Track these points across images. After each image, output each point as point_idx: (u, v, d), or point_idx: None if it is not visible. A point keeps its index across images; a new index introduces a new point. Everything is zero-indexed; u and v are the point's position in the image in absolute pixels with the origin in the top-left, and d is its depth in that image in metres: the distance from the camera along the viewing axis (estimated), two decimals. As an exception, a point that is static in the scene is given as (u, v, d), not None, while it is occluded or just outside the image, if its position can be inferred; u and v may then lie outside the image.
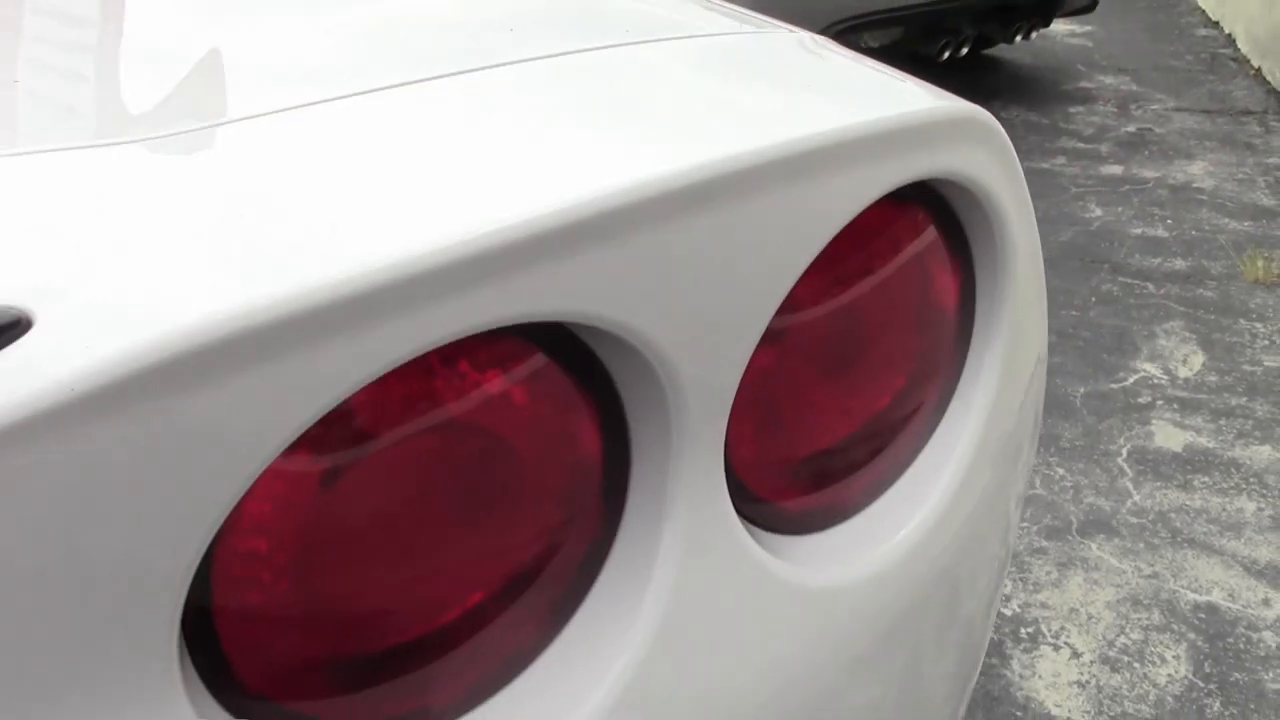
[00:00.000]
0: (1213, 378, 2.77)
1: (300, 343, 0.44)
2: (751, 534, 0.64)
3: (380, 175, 0.52)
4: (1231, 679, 1.87)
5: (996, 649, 1.93)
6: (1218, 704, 1.82)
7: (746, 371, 0.60)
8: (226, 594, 0.49)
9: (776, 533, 0.67)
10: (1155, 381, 2.75)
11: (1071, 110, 4.85)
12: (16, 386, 0.38)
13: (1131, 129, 4.60)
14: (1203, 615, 2.00)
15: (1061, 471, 2.40)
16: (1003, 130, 0.74)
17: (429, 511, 0.53)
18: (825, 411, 0.69)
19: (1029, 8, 4.72)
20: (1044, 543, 2.18)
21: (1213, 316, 3.06)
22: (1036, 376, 0.84)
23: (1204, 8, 6.65)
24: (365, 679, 0.53)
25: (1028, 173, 1.22)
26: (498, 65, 0.64)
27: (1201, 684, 1.86)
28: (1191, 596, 2.06)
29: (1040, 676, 1.88)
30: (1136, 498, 2.32)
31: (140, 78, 0.64)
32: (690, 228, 0.54)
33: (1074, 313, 3.06)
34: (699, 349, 0.56)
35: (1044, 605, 2.03)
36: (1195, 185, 3.99)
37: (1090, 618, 2.00)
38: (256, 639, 0.50)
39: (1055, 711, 1.81)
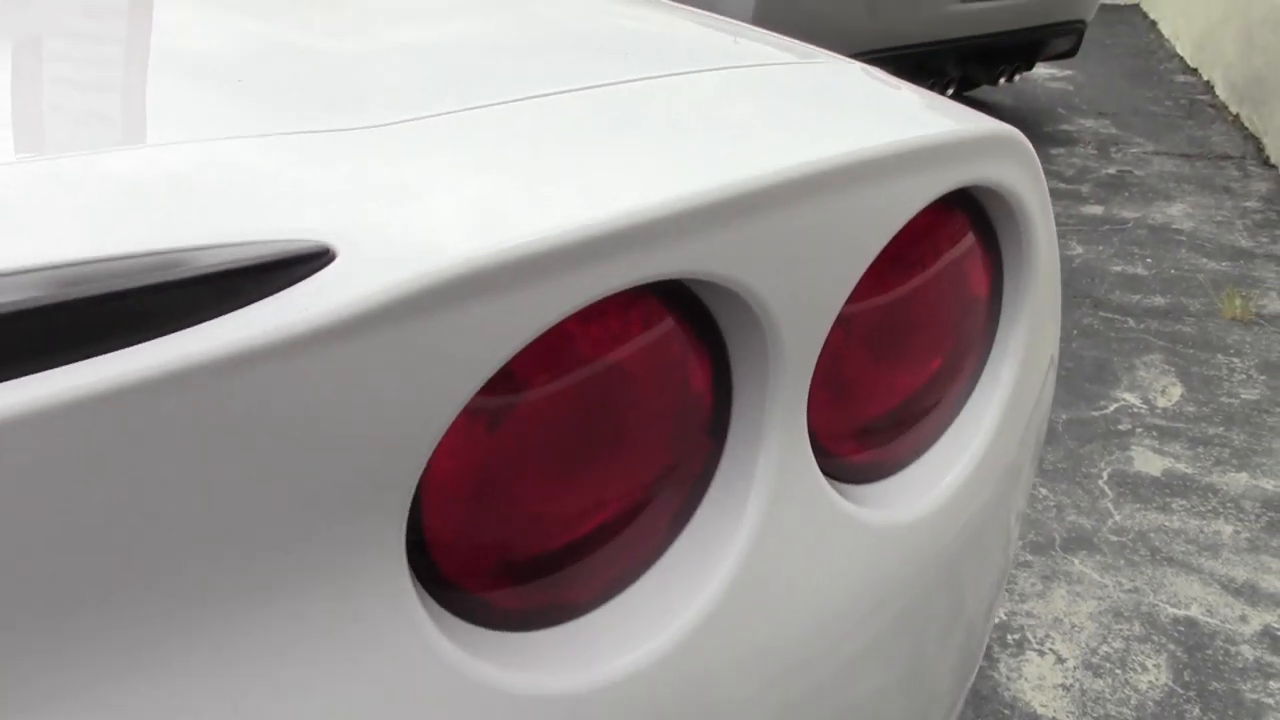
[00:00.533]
0: (1190, 408, 2.86)
1: (523, 283, 0.54)
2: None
3: (566, 163, 0.63)
4: (1210, 688, 1.95)
5: (985, 653, 2.00)
6: (1197, 709, 1.90)
7: (825, 341, 0.70)
8: (430, 497, 0.59)
9: (839, 480, 0.77)
10: (1135, 410, 2.84)
11: (1053, 152, 4.97)
12: (318, 304, 0.48)
13: (1112, 171, 4.72)
14: (1182, 628, 2.08)
15: (1045, 492, 2.49)
16: (1032, 148, 0.83)
17: (577, 438, 0.64)
18: (880, 381, 0.79)
19: (1012, 51, 4.85)
20: (1029, 557, 2.26)
21: (1191, 351, 3.16)
22: (1050, 368, 0.93)
23: (1182, 55, 6.81)
24: (527, 573, 0.63)
25: None
26: (621, 82, 0.75)
27: (1181, 691, 1.94)
28: (1171, 610, 2.14)
29: (1026, 679, 1.96)
30: (1117, 517, 2.41)
31: (341, 83, 0.74)
32: (794, 213, 0.64)
33: (1063, 342, 3.15)
34: (794, 310, 0.65)
35: (1029, 614, 2.11)
36: (1174, 226, 4.11)
37: (1074, 627, 2.08)
38: (452, 535, 0.59)
39: (1041, 711, 1.89)
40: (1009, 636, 2.04)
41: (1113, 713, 1.89)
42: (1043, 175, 0.85)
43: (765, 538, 0.69)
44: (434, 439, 0.54)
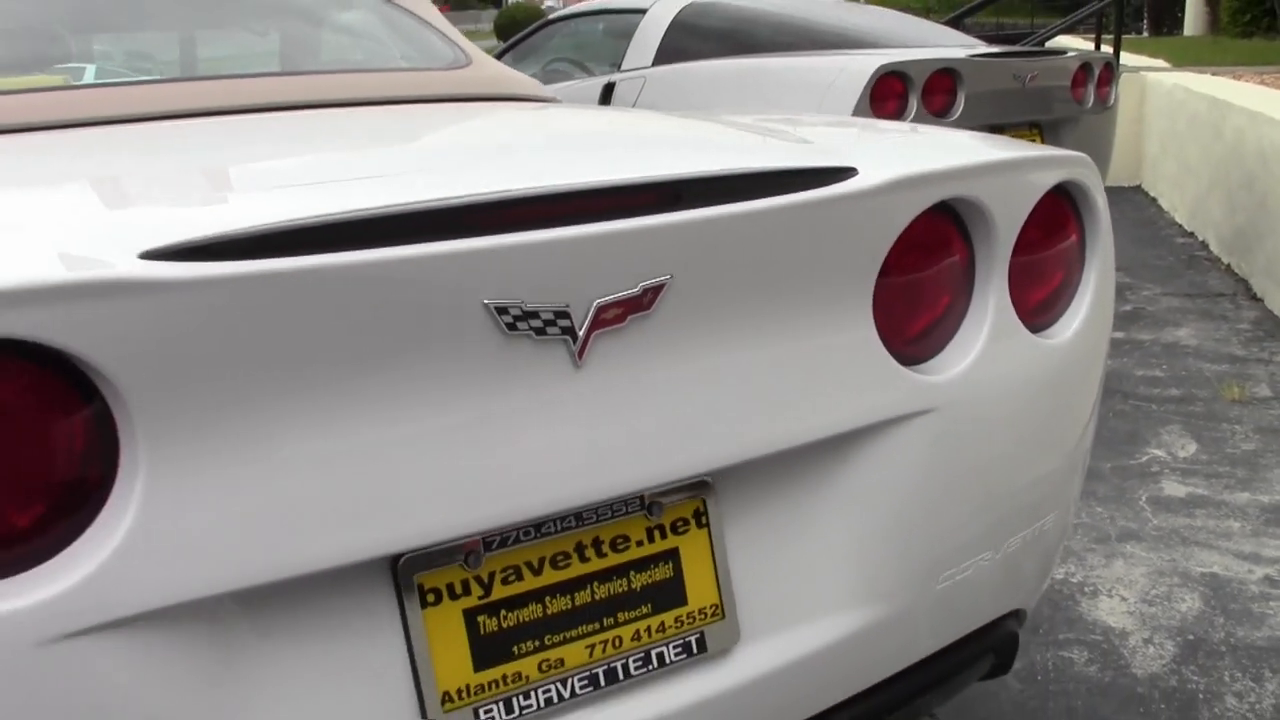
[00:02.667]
0: (1204, 456, 3.77)
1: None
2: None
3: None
4: (1229, 608, 2.81)
5: (1074, 602, 2.87)
6: (1220, 618, 2.76)
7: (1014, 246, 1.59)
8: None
9: (1029, 329, 1.65)
10: (1162, 459, 3.75)
11: (1077, 297, 5.96)
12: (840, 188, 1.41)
13: (1128, 308, 5.69)
14: (1207, 579, 2.95)
15: (1100, 510, 3.38)
16: (1093, 163, 1.77)
17: None
18: (1042, 275, 1.68)
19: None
20: (1095, 546, 3.15)
21: (1201, 422, 4.08)
22: (1112, 282, 1.82)
23: (1180, 221, 7.86)
24: None
25: None
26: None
27: (1209, 611, 2.80)
28: (1199, 570, 3.01)
29: (1101, 610, 2.82)
30: (1155, 522, 3.30)
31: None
32: (986, 184, 1.56)
33: (1099, 421, 4.08)
34: (986, 224, 1.57)
35: (1100, 577, 2.98)
36: (1183, 343, 5.06)
37: (1131, 582, 2.96)
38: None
39: (1115, 625, 2.75)
40: (1086, 588, 2.92)
41: (1163, 624, 2.76)
42: (1101, 179, 1.78)
43: (1000, 364, 1.57)
44: None
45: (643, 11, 6.43)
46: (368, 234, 1.09)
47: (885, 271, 1.47)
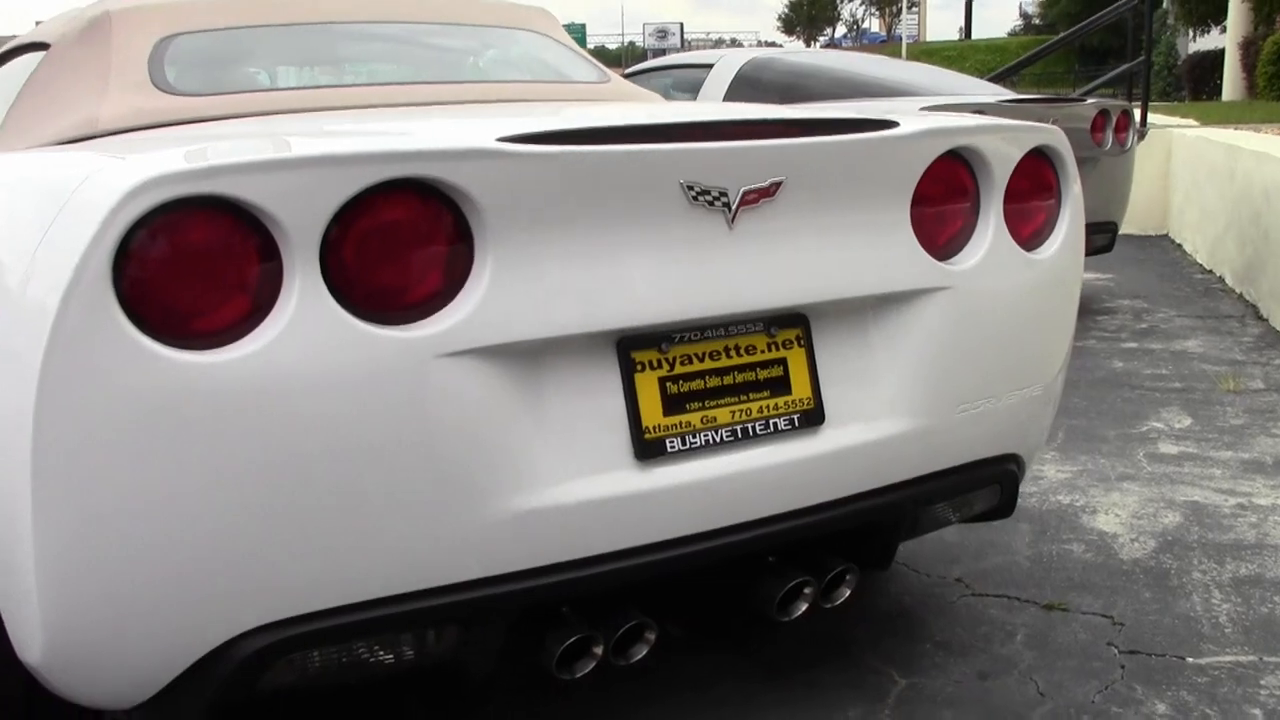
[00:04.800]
0: (1197, 427, 4.49)
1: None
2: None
3: None
4: (1205, 521, 3.53)
5: (1075, 516, 3.59)
6: (1197, 529, 3.48)
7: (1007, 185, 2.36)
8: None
9: (1022, 248, 2.40)
10: (1160, 429, 4.47)
11: (1099, 318, 6.69)
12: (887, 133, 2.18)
13: (1144, 326, 6.42)
14: (1189, 505, 3.67)
15: (1103, 460, 4.10)
16: (1064, 135, 2.52)
17: None
18: (1031, 208, 2.43)
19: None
20: (1096, 484, 3.87)
21: (1198, 404, 4.80)
22: (1081, 217, 2.56)
23: (1200, 261, 8.59)
24: None
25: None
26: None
27: (1186, 523, 3.52)
28: (1182, 499, 3.73)
29: (1098, 522, 3.54)
30: (1149, 469, 4.02)
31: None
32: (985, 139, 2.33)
33: (1106, 404, 4.81)
34: (1001, 167, 2.33)
35: (1099, 502, 3.70)
36: (1190, 351, 5.78)
37: (1125, 505, 3.67)
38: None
39: (1106, 529, 3.47)
40: (1086, 510, 3.64)
41: (1147, 530, 3.47)
42: (1069, 144, 2.52)
43: (999, 264, 2.32)
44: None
45: (709, 66, 7.29)
46: (621, 138, 1.88)
47: (918, 195, 2.24)
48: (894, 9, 71.96)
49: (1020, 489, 2.62)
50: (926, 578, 3.10)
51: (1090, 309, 6.95)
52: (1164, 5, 33.85)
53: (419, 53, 3.19)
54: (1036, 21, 57.63)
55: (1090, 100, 7.08)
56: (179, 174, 1.62)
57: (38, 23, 3.65)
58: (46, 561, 1.71)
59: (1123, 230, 7.30)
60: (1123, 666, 2.59)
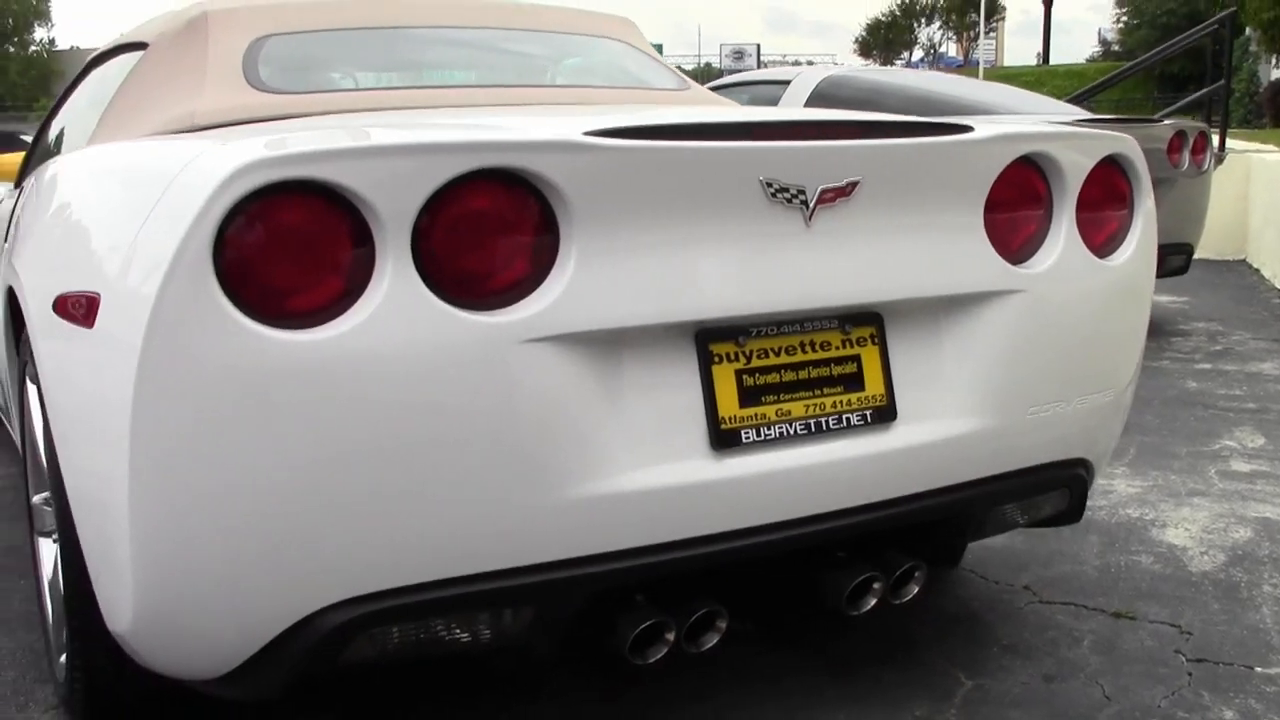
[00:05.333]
0: (1270, 447, 4.46)
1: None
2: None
3: None
4: (1276, 538, 3.51)
5: (1144, 529, 3.59)
6: (1267, 545, 3.47)
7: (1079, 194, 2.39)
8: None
9: (1094, 254, 2.42)
10: (1232, 447, 4.45)
11: (1173, 339, 6.65)
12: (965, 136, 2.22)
13: (1218, 348, 6.37)
14: (1260, 521, 3.65)
15: (1174, 477, 4.09)
16: (1137, 144, 2.54)
17: None
18: (1105, 216, 2.46)
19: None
20: (1167, 499, 3.86)
21: (1273, 425, 4.77)
22: (1154, 226, 2.57)
23: (1278, 286, 8.50)
24: None
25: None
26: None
27: (1256, 538, 3.51)
28: (1253, 515, 3.71)
29: (1169, 536, 3.54)
30: (1221, 485, 4.00)
31: None
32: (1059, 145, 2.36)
33: (1179, 422, 4.79)
34: (1075, 175, 2.36)
35: (1168, 517, 3.69)
36: (1265, 374, 5.73)
37: (1196, 520, 3.67)
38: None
39: (1178, 543, 3.47)
40: (1156, 524, 3.63)
41: (1217, 544, 3.46)
42: (1141, 153, 2.54)
43: (1072, 270, 2.34)
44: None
45: (786, 83, 7.33)
46: (702, 135, 1.93)
47: (991, 199, 2.27)
48: (971, 34, 71.66)
49: (1089, 498, 2.64)
50: (994, 584, 3.11)
51: (1164, 331, 6.90)
52: (1245, 33, 33.45)
53: (502, 58, 3.27)
54: (1115, 48, 57.17)
55: (1167, 121, 7.04)
56: (278, 158, 1.69)
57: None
58: (141, 533, 1.79)
59: (1199, 254, 7.26)
60: (1190, 674, 2.60)
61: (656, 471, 1.96)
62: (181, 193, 1.74)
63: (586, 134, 1.86)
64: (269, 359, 1.71)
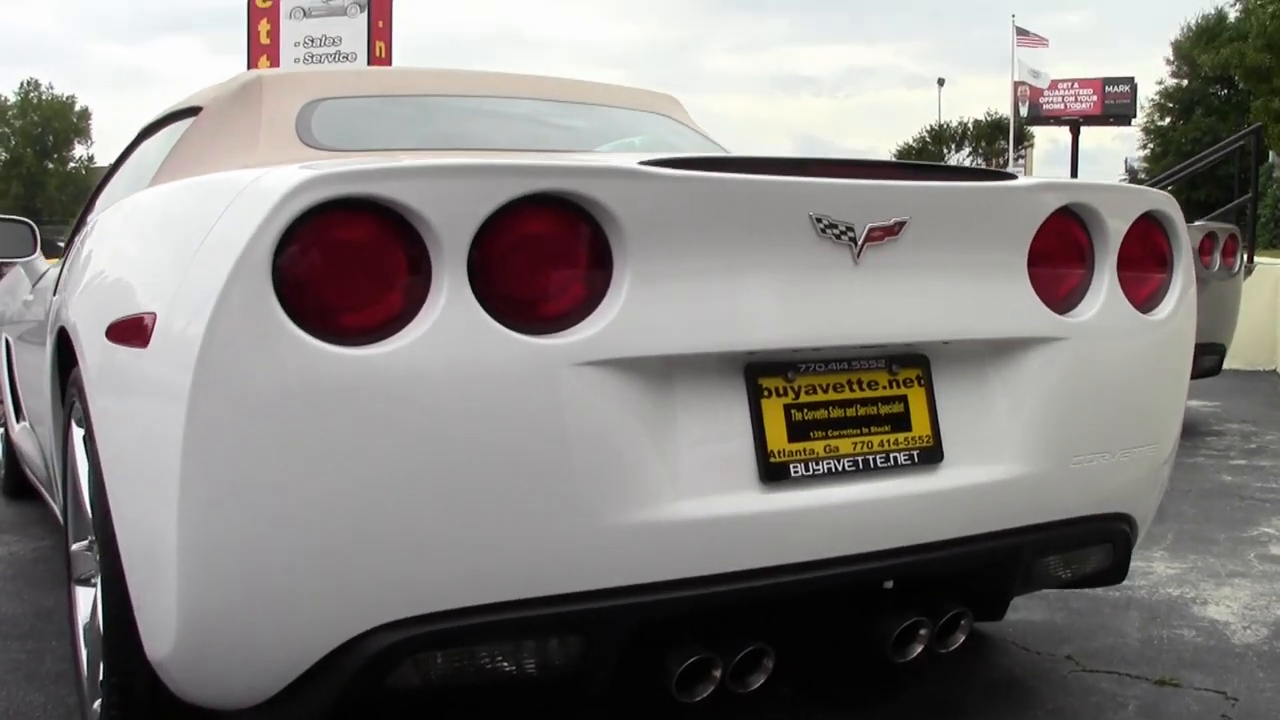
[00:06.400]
0: (1309, 534, 4.43)
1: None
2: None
3: None
4: (1318, 616, 3.47)
5: (1186, 606, 3.54)
6: (1309, 620, 3.43)
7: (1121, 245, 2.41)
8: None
9: (1138, 309, 2.44)
10: (1270, 534, 4.41)
11: (1207, 439, 6.62)
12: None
13: (1252, 446, 6.35)
14: (1302, 600, 3.62)
15: (1214, 560, 4.06)
16: (1176, 203, 2.56)
17: None
18: (1145, 272, 2.48)
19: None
20: (1208, 579, 3.82)
21: (1310, 515, 4.73)
22: (1193, 288, 2.59)
23: (1308, 391, 8.48)
24: None
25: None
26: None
27: (1300, 614, 3.47)
28: (1295, 596, 3.67)
29: (1209, 611, 3.50)
30: (1261, 568, 3.96)
31: None
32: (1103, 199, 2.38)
33: (1216, 511, 4.76)
34: (1115, 226, 2.38)
35: (1210, 595, 3.65)
36: (1299, 469, 5.70)
37: (1236, 598, 3.62)
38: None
39: (1219, 618, 3.42)
40: (1197, 601, 3.59)
41: (1259, 619, 3.42)
42: (1180, 212, 2.57)
43: (1115, 321, 2.35)
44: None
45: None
46: (755, 169, 1.97)
47: (1035, 249, 2.29)
48: (1000, 160, 72.47)
49: (1132, 558, 2.61)
50: (1037, 654, 3.08)
51: (1197, 431, 6.88)
52: (1270, 159, 33.75)
53: (548, 131, 3.32)
54: (1142, 176, 57.80)
55: (1198, 224, 7.09)
56: (338, 175, 1.74)
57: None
58: (188, 546, 1.79)
59: (1230, 365, 7.27)
60: (1239, 737, 2.55)
61: (706, 502, 1.96)
62: (241, 209, 1.77)
63: (642, 163, 1.90)
64: (323, 373, 1.72)
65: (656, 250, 1.91)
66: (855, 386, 2.12)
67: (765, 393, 2.03)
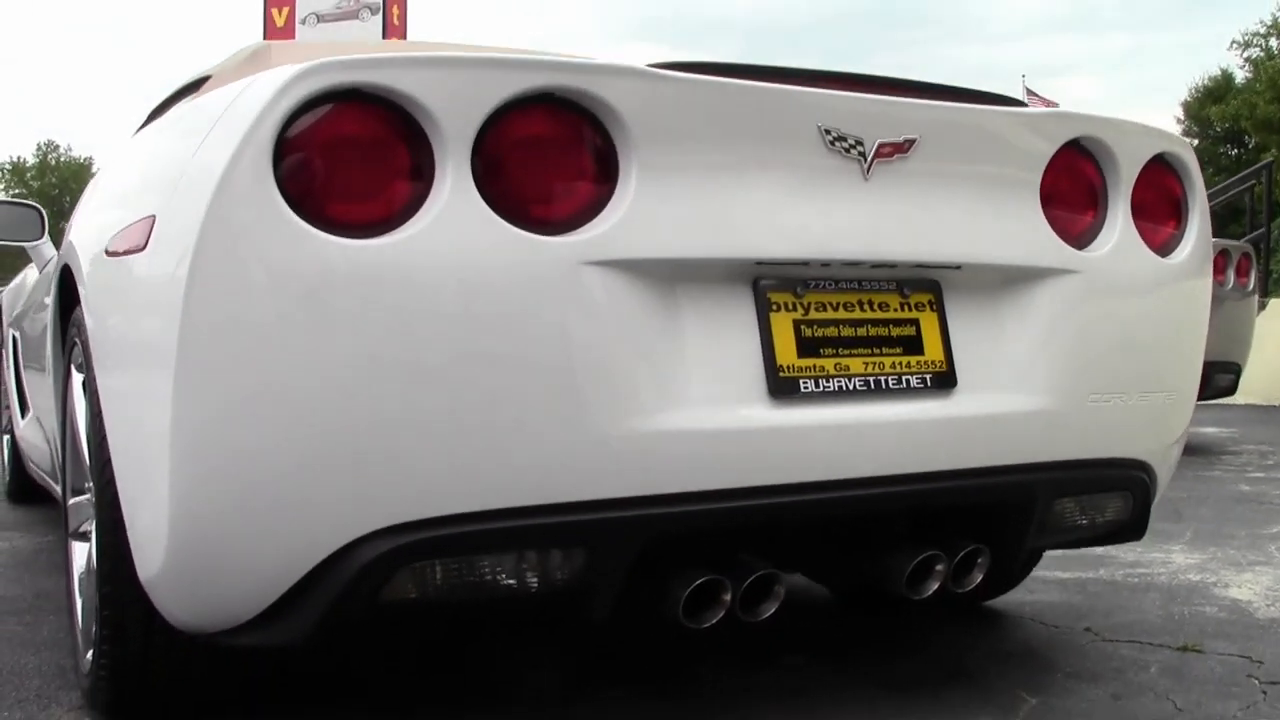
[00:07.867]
0: (1330, 532, 4.35)
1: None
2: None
3: None
4: (1342, 598, 3.40)
5: (1207, 589, 3.47)
6: (1333, 601, 3.35)
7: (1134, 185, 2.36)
8: None
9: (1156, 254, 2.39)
10: (1291, 532, 4.35)
11: (1224, 457, 6.55)
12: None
13: (1270, 462, 6.28)
14: (1325, 585, 3.55)
15: (1234, 551, 3.99)
16: (1190, 147, 2.53)
17: None
18: (1162, 212, 2.44)
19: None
20: (1229, 568, 3.75)
21: (1330, 516, 4.66)
22: (1209, 234, 2.54)
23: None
24: None
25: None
26: None
27: (1324, 595, 3.39)
28: (1318, 582, 3.60)
29: (1231, 592, 3.42)
30: (1281, 559, 3.90)
31: None
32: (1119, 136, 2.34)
33: (1234, 514, 4.69)
34: (1132, 164, 2.33)
35: (1231, 580, 3.58)
36: (1318, 481, 5.63)
37: (1258, 582, 3.55)
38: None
39: (1241, 598, 3.35)
40: (1219, 585, 3.52)
41: (1283, 601, 3.35)
42: (1195, 160, 2.53)
43: (1129, 260, 2.31)
44: None
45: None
46: (764, 77, 1.94)
47: (1047, 181, 2.25)
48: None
49: (1149, 513, 2.55)
50: (1055, 628, 3.01)
51: (1214, 451, 6.82)
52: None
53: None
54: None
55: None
56: (341, 63, 1.71)
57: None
58: (181, 449, 1.74)
59: (1245, 400, 7.22)
60: (1264, 693, 2.48)
61: (714, 413, 1.91)
62: (241, 106, 1.75)
63: (651, 65, 1.87)
64: (322, 262, 1.69)
65: (664, 153, 1.88)
66: (866, 307, 2.08)
67: (774, 307, 1.99)
